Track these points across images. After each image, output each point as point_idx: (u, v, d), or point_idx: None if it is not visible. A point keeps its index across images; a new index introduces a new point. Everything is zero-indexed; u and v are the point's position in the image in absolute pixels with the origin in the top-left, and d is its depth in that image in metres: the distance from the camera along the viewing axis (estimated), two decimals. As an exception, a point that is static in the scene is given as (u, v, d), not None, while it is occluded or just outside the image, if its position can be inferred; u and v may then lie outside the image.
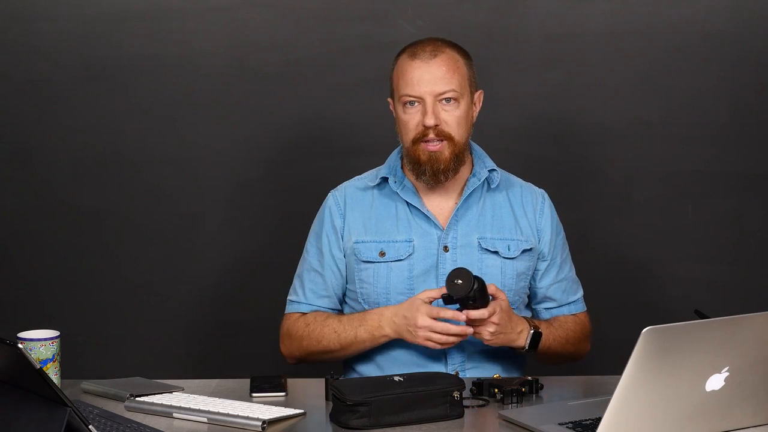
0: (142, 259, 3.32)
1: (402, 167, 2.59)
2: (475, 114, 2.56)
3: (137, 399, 2.22)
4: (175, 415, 2.15)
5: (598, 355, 2.71)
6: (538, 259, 2.60)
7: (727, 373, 1.90)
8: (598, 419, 1.83)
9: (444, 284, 2.37)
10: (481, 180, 2.58)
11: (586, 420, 2.05)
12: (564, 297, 2.62)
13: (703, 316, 2.33)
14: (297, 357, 2.58)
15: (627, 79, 3.28)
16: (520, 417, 2.11)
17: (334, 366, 2.51)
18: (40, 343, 2.25)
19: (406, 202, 2.57)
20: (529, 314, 2.61)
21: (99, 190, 3.30)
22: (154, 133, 3.30)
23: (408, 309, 2.42)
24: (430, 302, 2.40)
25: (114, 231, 3.31)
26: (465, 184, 2.57)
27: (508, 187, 2.63)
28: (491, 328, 2.40)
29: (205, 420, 2.12)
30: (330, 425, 2.12)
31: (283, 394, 2.31)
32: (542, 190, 2.66)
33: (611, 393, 1.82)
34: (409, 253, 2.54)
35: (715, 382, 1.90)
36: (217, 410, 2.12)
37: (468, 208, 2.58)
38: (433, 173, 2.50)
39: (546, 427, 2.03)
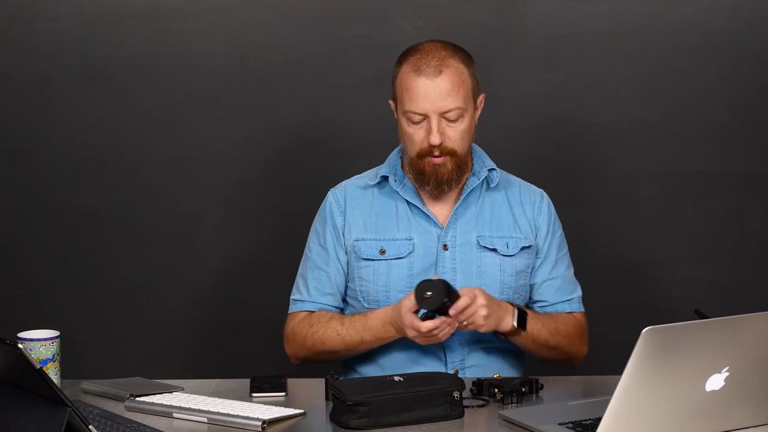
0: (142, 259, 3.32)
1: (402, 166, 2.60)
2: (477, 118, 2.56)
3: (137, 399, 2.22)
4: (175, 415, 2.15)
5: (598, 355, 2.71)
6: (535, 256, 2.60)
7: (727, 373, 1.90)
8: (598, 419, 1.83)
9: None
10: (481, 179, 2.58)
11: (586, 420, 2.05)
12: (558, 295, 2.61)
13: (703, 316, 2.33)
14: (301, 357, 2.58)
15: (627, 79, 3.28)
16: (520, 417, 2.11)
17: (334, 366, 2.51)
18: (40, 343, 2.25)
19: (407, 201, 2.58)
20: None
21: (99, 190, 3.30)
22: (154, 133, 3.30)
23: (399, 319, 2.41)
24: (416, 310, 2.38)
25: (114, 231, 3.31)
26: (464, 184, 2.57)
27: (507, 186, 2.63)
28: (483, 312, 2.38)
29: (205, 420, 2.12)
30: (330, 425, 2.12)
31: (283, 394, 2.31)
32: (541, 190, 2.67)
33: (611, 393, 1.82)
34: (409, 251, 2.55)
35: (715, 382, 1.90)
36: (217, 410, 2.12)
37: (467, 207, 2.58)
38: (436, 184, 2.51)
39: (546, 427, 2.03)
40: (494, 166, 2.61)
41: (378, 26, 3.25)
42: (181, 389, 2.31)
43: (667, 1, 3.26)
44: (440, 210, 2.58)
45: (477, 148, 2.63)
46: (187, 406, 2.15)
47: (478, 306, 2.38)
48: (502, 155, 2.72)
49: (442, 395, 2.11)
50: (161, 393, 2.26)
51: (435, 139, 2.46)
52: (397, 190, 2.58)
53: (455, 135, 2.48)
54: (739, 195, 3.31)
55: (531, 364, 2.66)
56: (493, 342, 2.55)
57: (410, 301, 2.35)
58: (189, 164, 3.30)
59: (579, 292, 2.65)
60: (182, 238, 3.32)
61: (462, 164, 2.51)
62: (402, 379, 2.14)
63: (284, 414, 2.13)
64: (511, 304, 2.48)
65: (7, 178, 3.30)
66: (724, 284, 3.31)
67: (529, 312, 2.49)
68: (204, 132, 3.30)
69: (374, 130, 3.16)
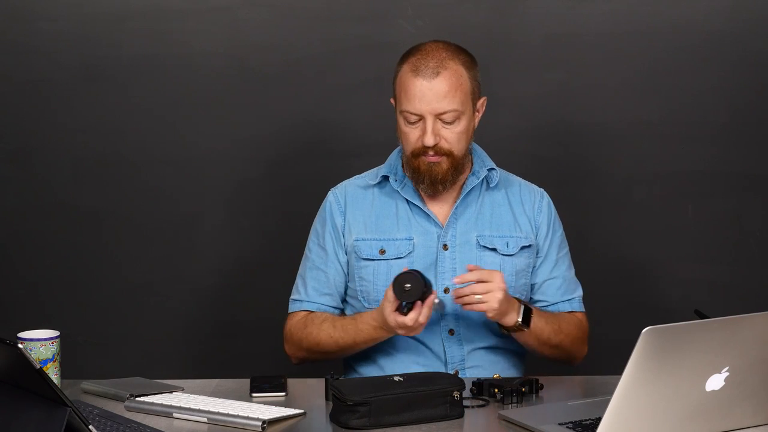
0: (142, 259, 3.32)
1: (402, 166, 2.60)
2: (477, 121, 2.55)
3: (137, 399, 2.22)
4: (175, 415, 2.15)
5: (598, 355, 2.71)
6: (536, 255, 2.61)
7: (727, 373, 1.90)
8: (598, 419, 1.83)
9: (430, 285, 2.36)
10: (480, 179, 2.58)
11: (586, 420, 2.05)
12: (559, 295, 2.61)
13: (703, 316, 2.33)
14: (299, 357, 2.59)
15: (627, 79, 3.28)
16: (520, 417, 2.11)
17: (334, 366, 2.51)
18: (40, 343, 2.25)
19: (407, 200, 2.58)
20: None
21: (99, 190, 3.30)
22: (154, 133, 3.30)
23: (385, 323, 2.39)
24: (397, 307, 2.37)
25: (114, 231, 3.31)
26: (464, 183, 2.57)
27: (507, 185, 2.63)
28: (500, 295, 2.36)
29: (205, 420, 2.12)
30: (330, 425, 2.12)
31: (283, 394, 2.31)
32: (542, 189, 2.67)
33: (611, 393, 1.82)
34: (409, 251, 2.55)
35: (715, 382, 1.90)
36: (217, 410, 2.12)
37: (467, 206, 2.58)
38: (431, 183, 2.51)
39: (546, 427, 2.03)
40: (494, 166, 2.61)
41: (378, 26, 3.25)
42: (181, 389, 2.31)
43: (667, 1, 3.26)
44: (440, 209, 2.58)
45: (477, 148, 2.63)
46: (187, 406, 2.15)
47: (498, 286, 2.37)
48: (502, 155, 2.72)
49: (442, 395, 2.11)
50: (161, 393, 2.26)
51: (429, 141, 2.46)
52: (398, 189, 2.58)
53: (451, 137, 2.48)
54: (739, 195, 3.31)
55: (531, 364, 2.66)
56: (493, 342, 2.55)
57: (390, 303, 2.35)
58: (189, 164, 3.30)
59: (580, 292, 2.64)
60: (182, 238, 3.32)
61: (459, 165, 2.51)
62: (402, 379, 2.14)
63: (284, 414, 2.13)
64: (518, 300, 2.48)
65: (7, 178, 3.30)
66: (724, 284, 3.31)
67: (534, 309, 2.49)
68: (204, 132, 3.30)
69: (374, 130, 3.16)
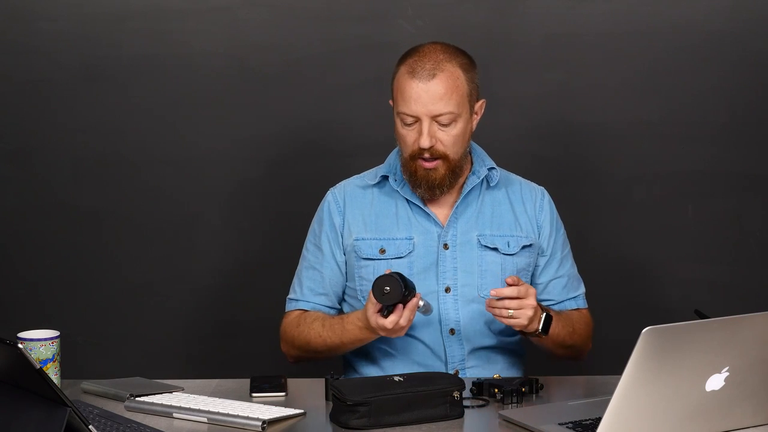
0: (142, 259, 3.32)
1: (401, 166, 2.59)
2: (475, 124, 2.55)
3: (137, 399, 2.22)
4: (175, 415, 2.15)
5: (598, 355, 2.71)
6: (538, 255, 2.60)
7: (727, 373, 1.90)
8: (598, 419, 1.83)
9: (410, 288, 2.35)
10: (480, 178, 2.58)
11: (586, 420, 2.05)
12: (564, 293, 2.62)
13: (703, 316, 2.33)
14: (293, 356, 2.60)
15: (627, 79, 3.28)
16: (520, 417, 2.11)
17: (334, 366, 2.51)
18: (40, 343, 2.25)
19: (407, 200, 2.58)
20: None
21: (99, 190, 3.30)
22: (154, 133, 3.30)
23: (368, 324, 2.39)
24: (379, 309, 2.36)
25: (114, 231, 3.31)
26: (464, 182, 2.57)
27: (508, 184, 2.63)
28: (530, 312, 2.37)
29: (205, 420, 2.12)
30: (330, 425, 2.12)
31: (283, 394, 2.31)
32: (542, 188, 2.67)
33: (611, 393, 1.82)
34: (410, 250, 2.55)
35: (715, 382, 1.90)
36: (217, 410, 2.12)
37: (467, 205, 2.58)
38: (428, 187, 2.51)
39: (546, 427, 2.03)
40: (494, 165, 2.61)
41: (378, 26, 3.25)
42: (181, 389, 2.31)
43: (667, 1, 3.26)
44: (440, 209, 2.58)
45: (476, 147, 2.63)
46: (187, 406, 2.15)
47: (530, 303, 2.38)
48: (502, 155, 2.72)
49: (442, 395, 2.11)
50: (161, 393, 2.26)
51: (425, 143, 2.46)
52: (397, 189, 2.58)
53: (447, 139, 2.47)
54: (739, 195, 3.31)
55: (531, 364, 2.66)
56: (494, 342, 2.55)
57: (372, 304, 2.35)
58: (189, 164, 3.30)
59: (583, 289, 2.66)
60: (182, 238, 3.32)
61: (456, 168, 2.51)
62: (402, 379, 2.14)
63: (284, 414, 2.13)
64: (541, 307, 2.47)
65: (7, 178, 3.30)
66: (724, 284, 3.31)
67: (553, 316, 2.48)
68: (204, 132, 3.30)
69: (374, 130, 3.16)
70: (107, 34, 3.26)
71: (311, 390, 2.34)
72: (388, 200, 2.60)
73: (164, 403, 2.18)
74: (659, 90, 3.28)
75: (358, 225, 2.58)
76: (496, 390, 2.24)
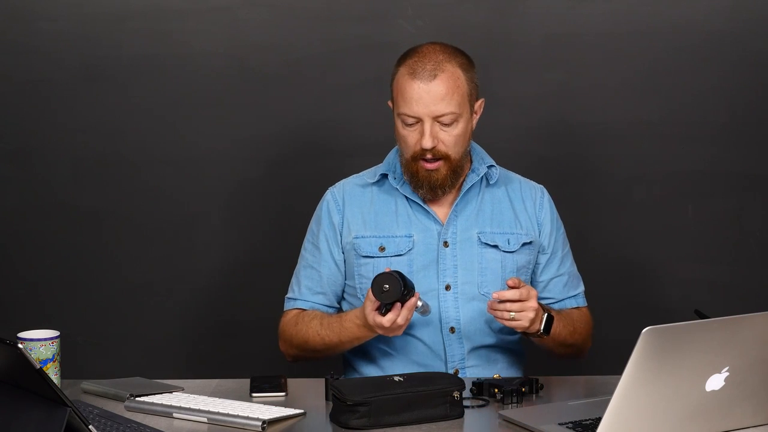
0: (142, 259, 3.32)
1: (401, 165, 2.59)
2: (475, 123, 2.55)
3: (137, 399, 2.22)
4: (175, 415, 2.15)
5: (598, 355, 2.71)
6: (538, 252, 2.61)
7: (727, 373, 1.90)
8: (598, 419, 1.83)
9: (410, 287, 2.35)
10: (480, 176, 2.59)
11: (586, 420, 2.05)
12: (565, 291, 2.62)
13: (703, 316, 2.33)
14: (292, 355, 2.60)
15: (627, 79, 3.28)
16: (520, 417, 2.11)
17: (334, 366, 2.51)
18: (40, 343, 2.25)
19: (406, 198, 2.58)
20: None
21: (99, 190, 3.30)
22: (154, 133, 3.30)
23: (366, 322, 2.39)
24: (378, 307, 2.36)
25: (114, 231, 3.31)
26: (464, 180, 2.58)
27: (507, 182, 2.64)
28: (531, 314, 2.38)
29: (205, 420, 2.12)
30: (330, 425, 2.12)
31: (283, 394, 2.31)
32: (541, 186, 2.67)
33: (611, 393, 1.82)
34: (409, 248, 2.55)
35: (715, 382, 1.90)
36: (217, 410, 2.12)
37: (467, 203, 2.58)
38: (430, 188, 2.51)
39: (546, 427, 2.03)
40: (493, 163, 2.61)
41: (378, 26, 3.25)
42: (181, 389, 2.31)
43: (667, 1, 3.26)
44: (440, 207, 2.58)
45: (475, 146, 2.63)
46: (187, 406, 2.15)
47: (531, 306, 2.38)
48: (502, 155, 2.72)
49: (442, 395, 2.11)
50: (161, 393, 2.26)
51: (427, 143, 2.46)
52: (397, 187, 2.58)
53: (449, 139, 2.48)
54: (739, 195, 3.31)
55: (531, 364, 2.66)
56: (494, 341, 2.55)
57: (371, 301, 2.35)
58: (189, 164, 3.30)
59: (582, 287, 2.66)
60: (182, 238, 3.32)
61: (457, 168, 2.51)
62: (402, 379, 2.14)
63: (284, 414, 2.13)
64: (542, 307, 2.47)
65: (7, 178, 3.30)
66: (724, 284, 3.31)
67: (555, 316, 2.48)
68: (204, 132, 3.30)
69: (374, 130, 3.16)
70: (107, 34, 3.26)
71: (311, 390, 2.34)
72: (388, 198, 2.60)
73: (164, 403, 2.18)
74: (659, 90, 3.28)
75: (357, 223, 2.58)
76: (496, 390, 2.24)
